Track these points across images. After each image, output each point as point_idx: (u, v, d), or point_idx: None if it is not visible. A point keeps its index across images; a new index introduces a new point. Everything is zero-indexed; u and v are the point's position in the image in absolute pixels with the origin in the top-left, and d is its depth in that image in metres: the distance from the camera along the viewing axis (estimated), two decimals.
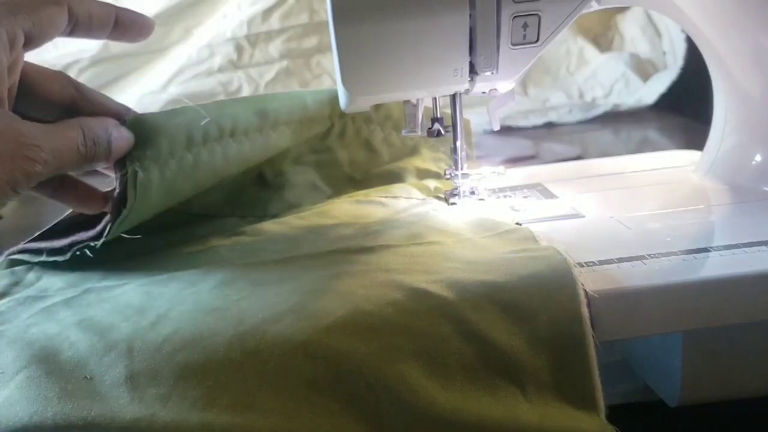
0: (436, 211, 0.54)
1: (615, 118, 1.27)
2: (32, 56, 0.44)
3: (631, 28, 1.42)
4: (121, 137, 0.44)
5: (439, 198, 0.58)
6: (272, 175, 0.58)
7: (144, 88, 1.32)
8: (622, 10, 1.44)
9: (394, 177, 0.61)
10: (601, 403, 0.36)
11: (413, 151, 0.63)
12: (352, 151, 0.61)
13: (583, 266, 0.41)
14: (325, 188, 0.60)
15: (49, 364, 0.37)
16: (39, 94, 0.44)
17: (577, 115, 1.28)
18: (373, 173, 0.61)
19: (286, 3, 1.35)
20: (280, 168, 0.58)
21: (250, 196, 0.57)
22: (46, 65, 0.46)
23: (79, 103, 0.45)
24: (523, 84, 1.36)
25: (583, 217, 0.51)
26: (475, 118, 1.05)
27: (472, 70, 0.49)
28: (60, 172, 0.42)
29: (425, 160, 0.63)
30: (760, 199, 0.52)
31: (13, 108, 0.43)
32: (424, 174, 0.62)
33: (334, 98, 0.58)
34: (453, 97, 0.53)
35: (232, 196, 0.57)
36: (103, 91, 0.49)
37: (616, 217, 0.50)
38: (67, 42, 1.32)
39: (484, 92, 0.52)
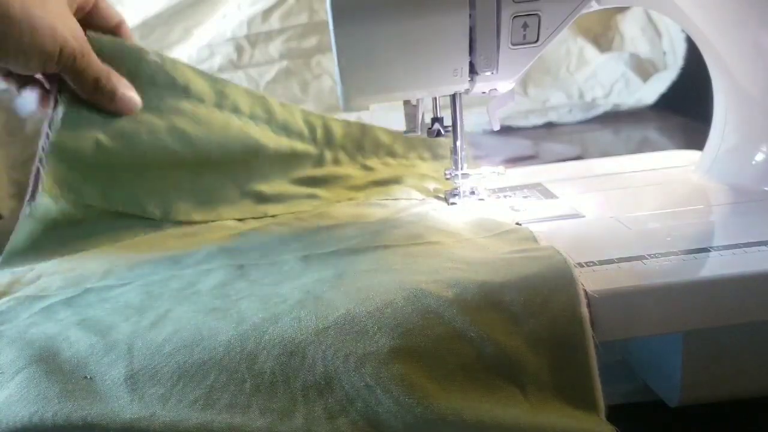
0: (436, 211, 0.54)
1: (615, 118, 1.27)
2: None
3: (631, 28, 1.42)
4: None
5: (439, 198, 0.58)
6: (270, 190, 0.59)
7: None
8: (622, 10, 1.43)
9: (394, 183, 0.61)
10: (601, 403, 0.36)
11: (411, 167, 0.64)
12: (350, 172, 0.62)
13: (583, 266, 0.41)
14: (325, 195, 0.60)
15: (49, 364, 0.37)
16: None
17: (577, 115, 1.28)
18: (372, 181, 0.61)
19: (286, 3, 1.35)
20: (279, 190, 0.59)
21: (248, 205, 0.58)
22: None
23: None
24: (523, 84, 1.35)
25: (583, 217, 0.51)
26: (475, 118, 1.06)
27: (472, 70, 0.49)
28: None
29: (424, 171, 0.63)
30: (760, 199, 0.52)
31: None
32: (423, 179, 0.62)
33: (308, 118, 0.60)
34: (453, 97, 0.53)
35: (228, 204, 0.57)
36: None
37: (616, 217, 0.50)
38: None
39: (484, 92, 0.52)
